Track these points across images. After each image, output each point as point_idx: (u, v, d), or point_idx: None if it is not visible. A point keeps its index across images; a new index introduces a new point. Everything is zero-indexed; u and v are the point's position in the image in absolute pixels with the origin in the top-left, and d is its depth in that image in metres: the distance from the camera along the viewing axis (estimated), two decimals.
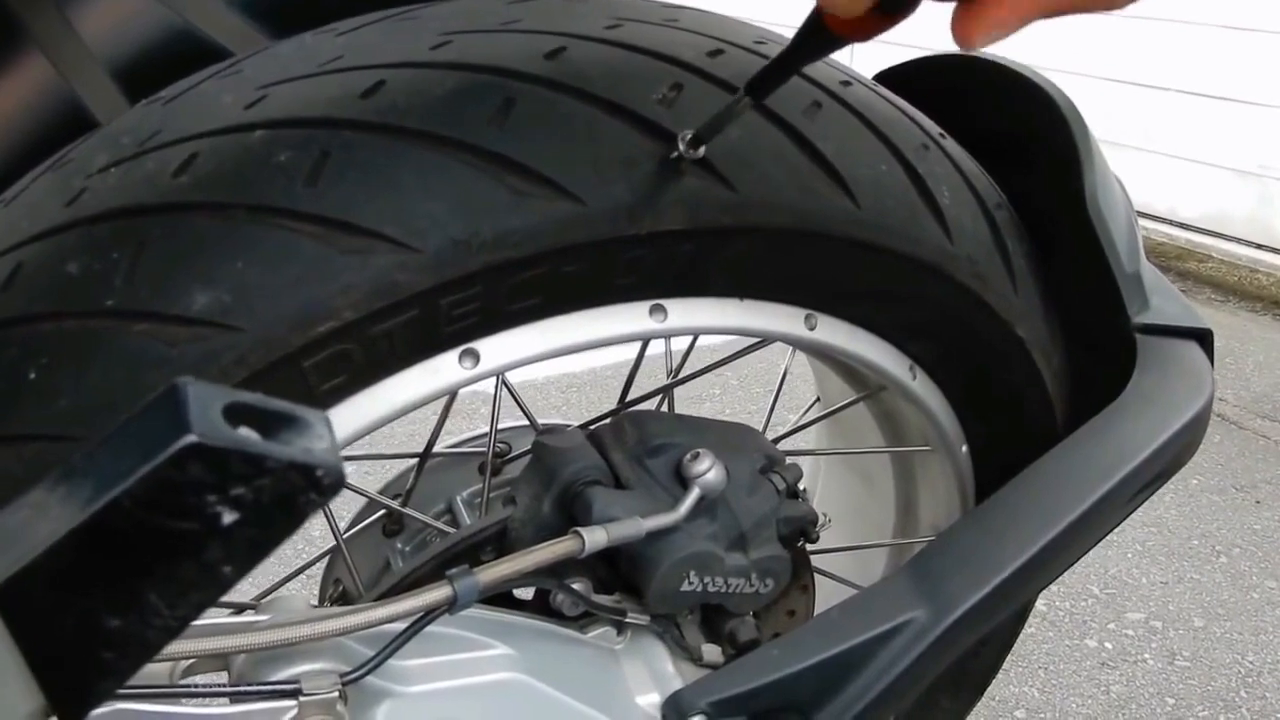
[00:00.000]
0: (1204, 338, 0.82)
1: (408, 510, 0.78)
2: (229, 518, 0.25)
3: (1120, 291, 0.78)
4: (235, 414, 0.26)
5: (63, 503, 0.25)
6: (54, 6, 0.73)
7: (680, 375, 0.87)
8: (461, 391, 0.63)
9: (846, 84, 0.66)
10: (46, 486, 0.26)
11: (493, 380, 0.67)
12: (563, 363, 2.72)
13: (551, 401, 2.51)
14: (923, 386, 0.76)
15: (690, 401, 2.53)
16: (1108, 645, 1.76)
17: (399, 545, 0.83)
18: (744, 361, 0.90)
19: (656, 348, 0.87)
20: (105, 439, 0.26)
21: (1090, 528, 0.75)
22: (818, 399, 1.05)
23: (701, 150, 0.56)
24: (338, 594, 0.84)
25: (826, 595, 0.86)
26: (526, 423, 0.87)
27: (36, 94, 0.72)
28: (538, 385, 2.53)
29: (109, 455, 0.25)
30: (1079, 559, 0.80)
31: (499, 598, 0.68)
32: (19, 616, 0.25)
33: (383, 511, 0.82)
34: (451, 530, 0.79)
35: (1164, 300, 0.82)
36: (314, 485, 0.26)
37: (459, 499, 0.83)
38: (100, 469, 0.25)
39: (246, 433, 0.25)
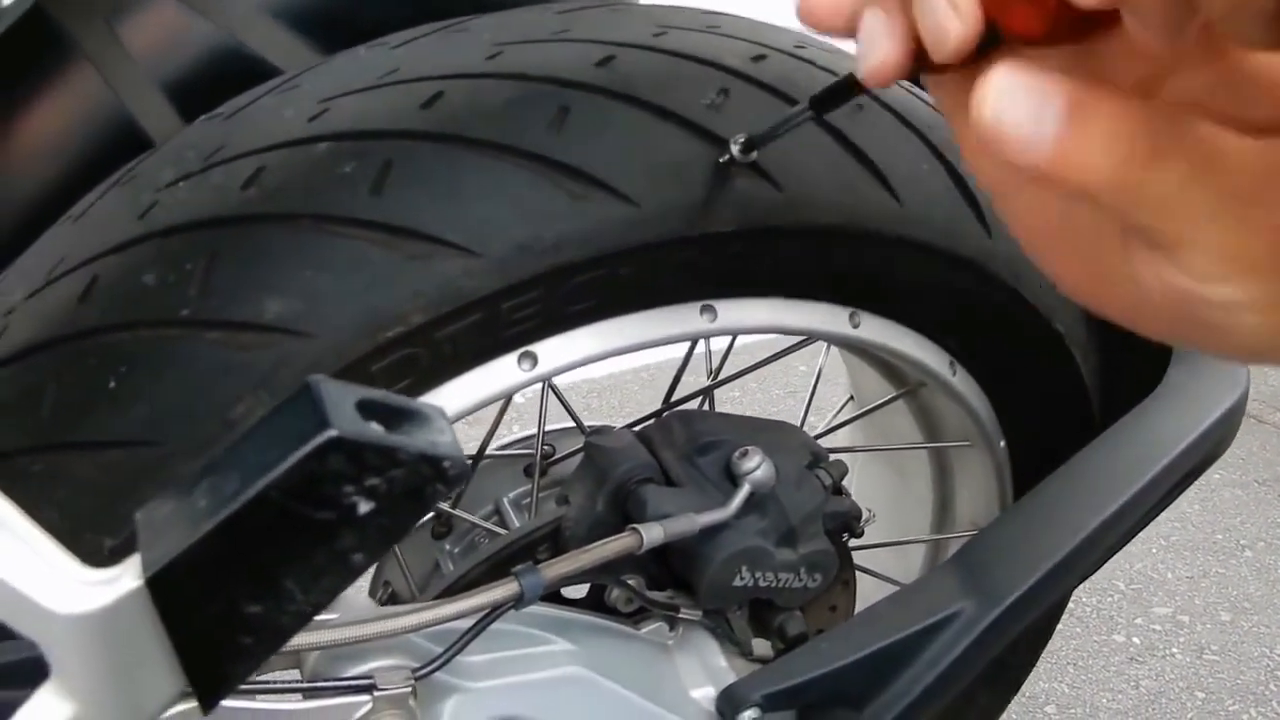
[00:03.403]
0: None
1: (458, 512, 0.79)
2: (364, 507, 0.26)
3: None
4: (365, 409, 0.27)
5: (209, 495, 0.26)
6: (105, 24, 0.75)
7: (720, 376, 0.89)
8: None
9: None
10: (189, 481, 0.27)
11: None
12: (587, 368, 2.73)
13: (586, 405, 2.52)
14: (963, 382, 0.77)
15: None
16: (1135, 640, 1.76)
17: (448, 547, 0.84)
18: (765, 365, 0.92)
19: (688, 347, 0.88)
20: (243, 437, 0.27)
21: (1132, 518, 0.76)
22: (851, 398, 1.06)
23: (753, 155, 0.57)
24: (387, 596, 0.85)
25: (865, 592, 0.87)
26: (568, 425, 0.88)
27: (91, 110, 0.74)
28: (563, 389, 2.54)
29: (251, 451, 0.26)
30: (1120, 549, 0.81)
31: (552, 597, 0.69)
32: (169, 604, 0.26)
33: (431, 514, 0.83)
34: (502, 531, 0.80)
35: None
36: (441, 476, 0.27)
37: (506, 500, 0.84)
38: (244, 464, 0.26)
39: (376, 427, 0.27)
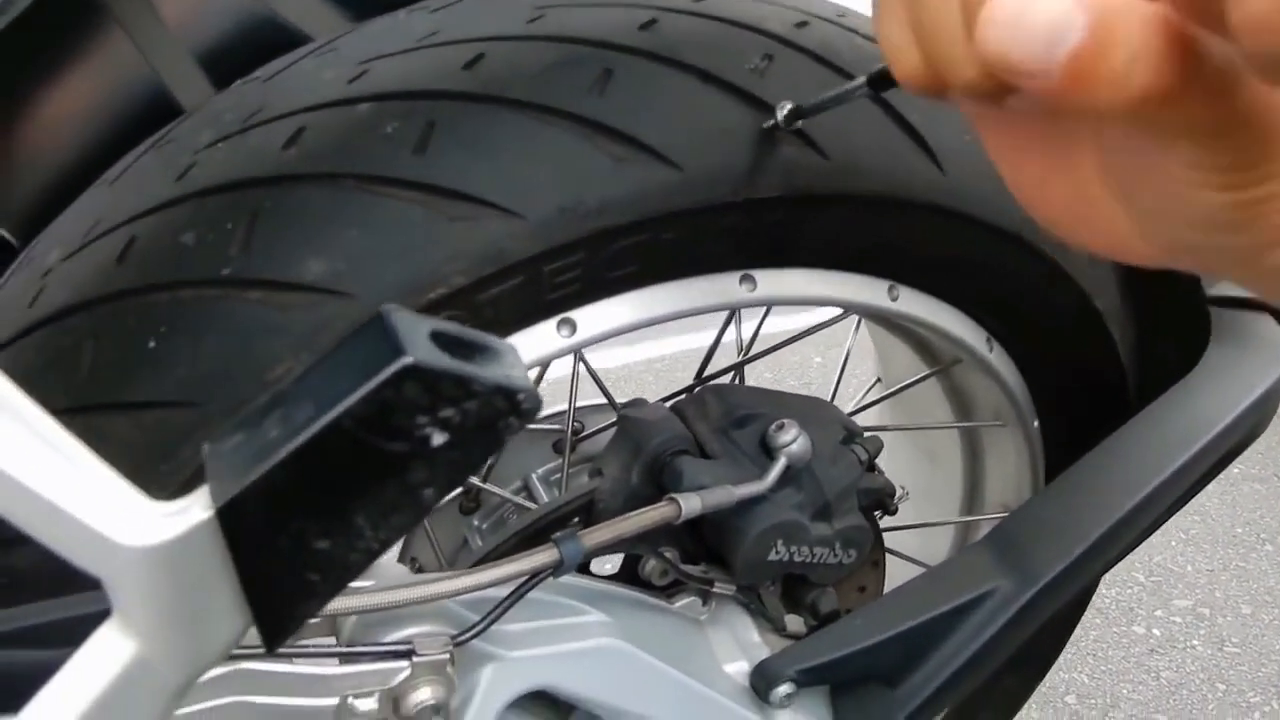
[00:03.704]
0: (1278, 311, 0.82)
1: (488, 486, 0.79)
2: (438, 439, 0.26)
3: None
4: (438, 340, 0.26)
5: (280, 425, 0.25)
6: None
7: (751, 353, 0.88)
8: None
9: None
10: (258, 412, 0.26)
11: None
12: (601, 358, 2.73)
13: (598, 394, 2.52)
14: (999, 359, 0.76)
15: None
16: (1156, 632, 1.76)
17: (476, 523, 0.83)
18: (777, 356, 0.91)
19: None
20: (313, 366, 0.27)
21: (1167, 500, 0.75)
22: (878, 380, 1.05)
23: (798, 124, 0.56)
24: (415, 571, 0.85)
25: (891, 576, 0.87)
26: (597, 402, 0.88)
27: (123, 77, 0.73)
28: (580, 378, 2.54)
29: (323, 379, 0.26)
30: (1154, 532, 0.80)
31: (586, 571, 0.68)
32: (238, 536, 0.26)
33: (460, 489, 0.83)
34: (531, 506, 0.80)
35: None
36: (515, 409, 0.26)
37: (534, 476, 0.84)
38: (316, 392, 0.25)
39: (450, 358, 0.26)
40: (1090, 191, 0.32)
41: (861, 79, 0.53)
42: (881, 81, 0.52)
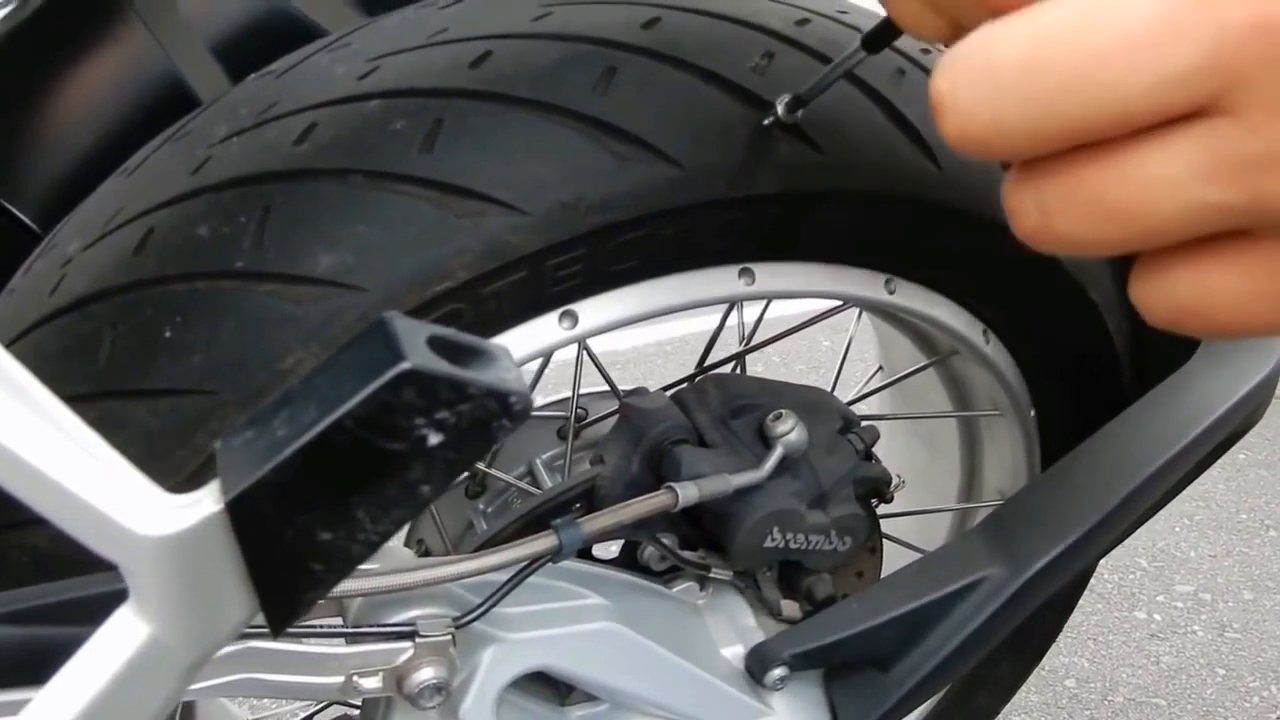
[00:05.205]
0: None
1: (492, 471, 0.80)
2: (434, 439, 0.28)
3: None
4: (435, 345, 0.28)
5: (286, 424, 0.27)
6: None
7: (751, 343, 0.90)
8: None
9: (926, 51, 0.68)
10: (267, 412, 0.28)
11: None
12: (610, 341, 2.75)
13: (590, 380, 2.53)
14: (995, 350, 0.78)
15: None
16: (1157, 617, 1.77)
17: (481, 506, 0.85)
18: (786, 339, 0.93)
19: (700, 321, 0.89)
20: (318, 370, 0.28)
21: (1161, 488, 0.76)
22: (880, 368, 1.07)
23: (799, 113, 0.58)
24: (422, 554, 0.87)
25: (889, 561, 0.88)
26: (600, 389, 0.89)
27: (141, 69, 0.75)
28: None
29: (326, 382, 0.28)
30: (1148, 520, 0.81)
31: (586, 556, 0.70)
32: (246, 528, 0.28)
33: (465, 474, 0.85)
34: (536, 491, 0.82)
35: None
36: (506, 411, 0.28)
37: (538, 461, 0.86)
38: (320, 394, 0.27)
39: (446, 363, 0.28)
40: None
41: (855, 44, 0.54)
42: (875, 42, 0.54)
